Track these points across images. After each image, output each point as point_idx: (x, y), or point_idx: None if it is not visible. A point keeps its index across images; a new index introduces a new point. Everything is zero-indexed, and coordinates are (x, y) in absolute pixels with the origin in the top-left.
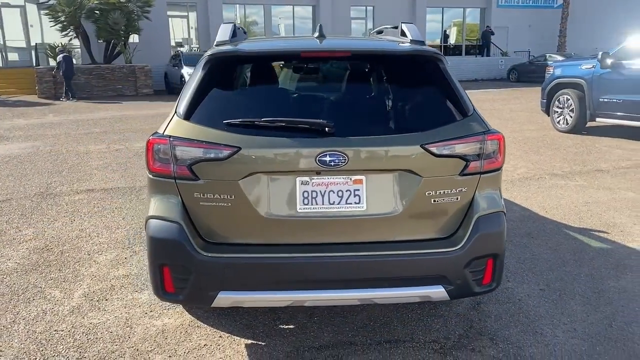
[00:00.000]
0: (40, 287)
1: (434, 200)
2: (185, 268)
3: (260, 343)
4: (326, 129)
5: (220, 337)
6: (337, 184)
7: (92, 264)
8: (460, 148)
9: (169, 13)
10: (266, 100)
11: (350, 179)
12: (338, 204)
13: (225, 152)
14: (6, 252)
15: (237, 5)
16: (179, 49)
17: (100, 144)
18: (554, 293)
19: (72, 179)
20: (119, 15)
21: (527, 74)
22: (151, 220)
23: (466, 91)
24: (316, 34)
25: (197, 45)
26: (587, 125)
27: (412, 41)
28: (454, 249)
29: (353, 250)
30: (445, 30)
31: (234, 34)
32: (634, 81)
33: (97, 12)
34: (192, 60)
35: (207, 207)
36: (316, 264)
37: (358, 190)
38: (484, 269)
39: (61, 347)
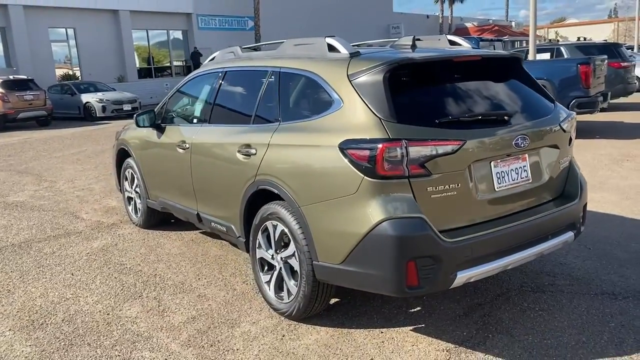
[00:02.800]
0: None
1: (561, 167)
2: (433, 258)
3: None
4: (505, 117)
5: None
6: (515, 162)
7: None
8: (569, 125)
9: None
10: (450, 99)
11: (520, 157)
12: (516, 179)
13: (454, 146)
14: None
15: None
16: None
17: None
18: None
19: None
20: None
21: None
22: (390, 221)
23: None
24: (410, 43)
25: None
26: None
27: (473, 48)
28: (575, 201)
29: (529, 215)
30: (150, 53)
31: None
32: None
33: None
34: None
35: (437, 198)
36: (515, 231)
37: (525, 166)
38: (584, 214)
39: None
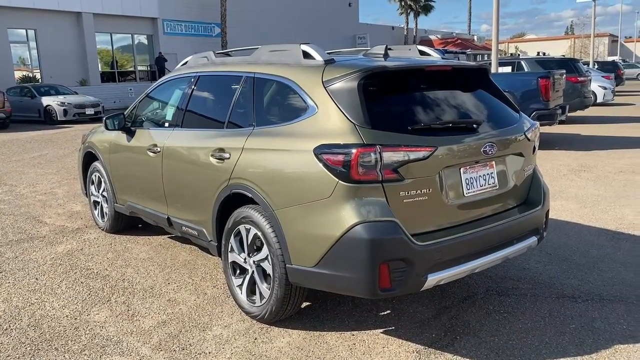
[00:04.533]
0: None
1: (526, 174)
2: (405, 261)
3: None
4: (474, 125)
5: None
6: (483, 169)
7: None
8: (533, 134)
9: None
10: (422, 107)
11: (488, 164)
12: (484, 185)
13: (426, 152)
14: None
15: None
16: None
17: None
18: None
19: None
20: None
21: None
22: (363, 224)
23: None
24: (382, 52)
25: None
26: None
27: (442, 58)
28: (539, 207)
29: (496, 220)
30: (114, 56)
31: None
32: None
33: None
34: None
35: (409, 203)
36: (482, 236)
37: (492, 173)
38: (547, 220)
39: None
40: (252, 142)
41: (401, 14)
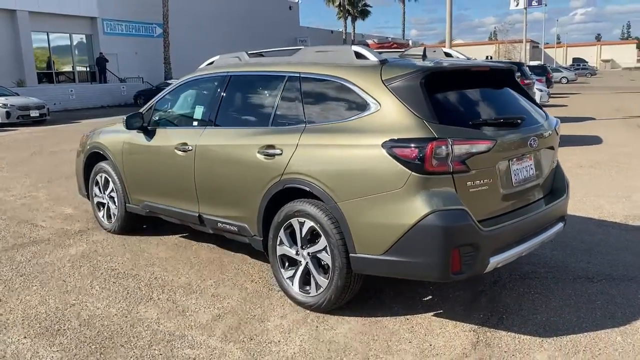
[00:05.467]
0: None
1: (553, 166)
2: (473, 246)
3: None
4: (519, 120)
5: None
6: (526, 161)
7: None
8: (559, 129)
9: None
10: (475, 104)
11: (529, 156)
12: (526, 176)
13: (489, 145)
14: None
15: None
16: None
17: None
18: None
19: None
20: None
21: None
22: (437, 213)
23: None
24: (420, 53)
25: None
26: None
27: (468, 59)
28: (564, 196)
29: (536, 208)
30: (51, 56)
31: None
32: None
33: None
34: None
35: (474, 192)
36: (527, 222)
37: (532, 165)
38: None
39: None
40: (307, 139)
41: (339, 18)
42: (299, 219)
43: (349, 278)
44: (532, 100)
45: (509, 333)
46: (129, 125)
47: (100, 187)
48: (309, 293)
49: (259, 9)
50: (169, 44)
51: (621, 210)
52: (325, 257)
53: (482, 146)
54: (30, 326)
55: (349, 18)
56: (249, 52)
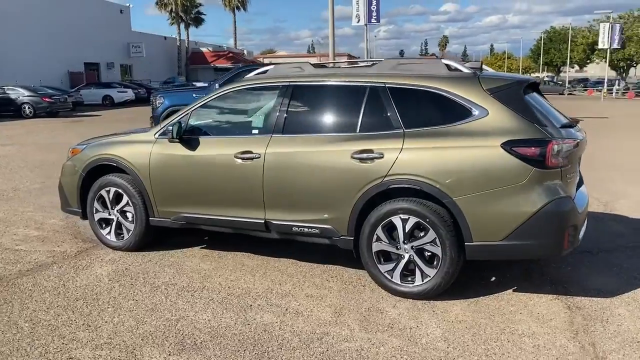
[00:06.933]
0: None
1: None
2: (574, 226)
3: None
4: (575, 123)
5: None
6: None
7: None
8: None
9: None
10: (544, 109)
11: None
12: (576, 170)
13: (575, 144)
14: None
15: None
16: None
17: None
18: None
19: None
20: None
21: None
22: (555, 201)
23: None
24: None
25: None
26: None
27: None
28: (583, 186)
29: (584, 196)
30: None
31: None
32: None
33: None
34: None
35: (568, 182)
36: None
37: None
38: None
39: None
40: (412, 142)
41: (172, 24)
42: (400, 215)
43: (458, 265)
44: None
45: (581, 297)
46: (175, 134)
47: (107, 203)
48: (413, 283)
49: (89, 12)
50: None
51: None
52: (433, 249)
53: (572, 145)
54: (161, 345)
55: (182, 25)
56: (312, 63)
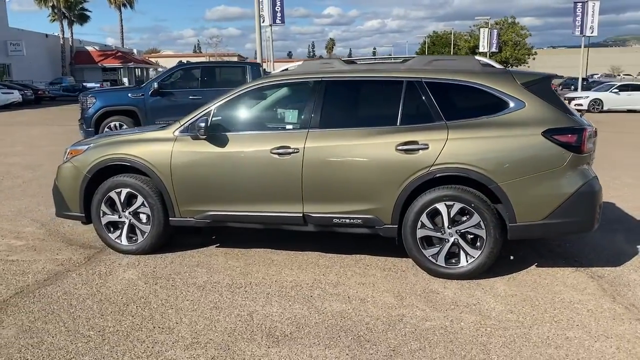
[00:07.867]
0: None
1: None
2: (600, 205)
3: None
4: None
5: None
6: None
7: None
8: None
9: None
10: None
11: None
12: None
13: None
14: None
15: None
16: None
17: None
18: None
19: None
20: None
21: None
22: (590, 181)
23: None
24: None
25: None
26: None
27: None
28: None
29: None
30: None
31: None
32: (179, 105)
33: None
34: None
35: (590, 164)
36: None
37: None
38: None
39: None
40: (456, 133)
41: (53, 21)
42: (446, 202)
43: (500, 245)
44: None
45: (597, 268)
46: (206, 131)
47: (118, 205)
48: (458, 264)
49: None
50: None
51: None
52: (477, 231)
53: (591, 131)
54: (252, 339)
55: (66, 22)
56: (342, 59)
